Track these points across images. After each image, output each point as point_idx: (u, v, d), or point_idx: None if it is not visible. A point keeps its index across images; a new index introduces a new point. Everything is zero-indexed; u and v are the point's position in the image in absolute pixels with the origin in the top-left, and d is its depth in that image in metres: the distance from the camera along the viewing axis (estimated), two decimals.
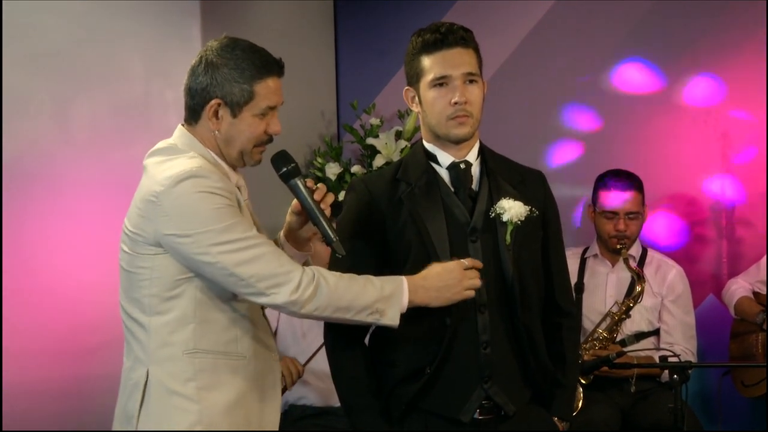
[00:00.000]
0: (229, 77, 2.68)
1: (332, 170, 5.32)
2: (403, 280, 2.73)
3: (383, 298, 2.69)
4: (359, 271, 2.81)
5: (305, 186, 2.77)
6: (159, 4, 4.61)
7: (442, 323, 2.85)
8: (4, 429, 4.11)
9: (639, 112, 5.32)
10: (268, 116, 2.74)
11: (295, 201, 2.81)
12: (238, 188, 2.77)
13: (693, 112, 5.24)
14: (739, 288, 4.87)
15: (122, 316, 2.77)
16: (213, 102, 2.70)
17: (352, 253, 2.87)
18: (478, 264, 2.81)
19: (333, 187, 5.32)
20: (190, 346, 2.67)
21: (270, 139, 2.77)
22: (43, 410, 4.29)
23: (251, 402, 2.74)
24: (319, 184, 2.81)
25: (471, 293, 2.79)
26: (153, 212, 2.63)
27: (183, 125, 2.79)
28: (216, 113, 2.70)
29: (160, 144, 2.79)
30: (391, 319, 2.70)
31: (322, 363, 4.32)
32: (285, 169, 2.77)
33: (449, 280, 2.76)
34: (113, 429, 2.80)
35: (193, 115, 2.75)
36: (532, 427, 2.95)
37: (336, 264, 2.86)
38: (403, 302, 2.72)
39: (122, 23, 4.56)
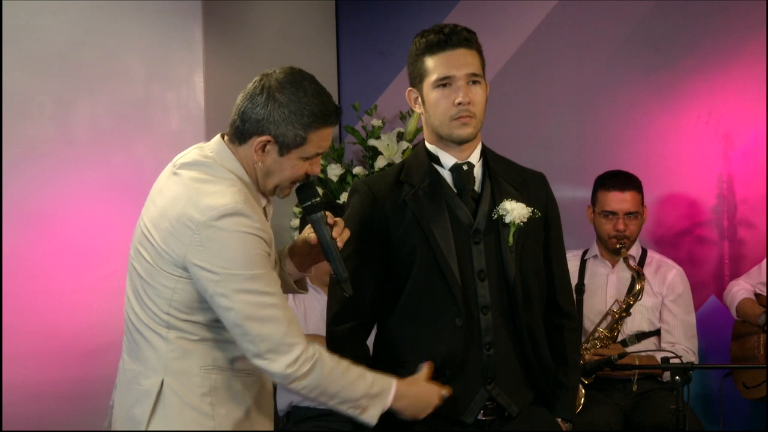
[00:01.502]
0: (287, 119, 2.63)
1: (334, 171, 5.32)
2: (393, 385, 2.73)
3: (370, 396, 2.69)
4: (358, 273, 2.84)
5: (326, 222, 2.76)
6: (160, 4, 4.61)
7: (452, 324, 2.85)
8: (4, 429, 4.11)
9: (641, 113, 5.32)
10: (312, 159, 2.71)
11: (311, 232, 2.80)
12: (265, 211, 2.77)
13: (694, 113, 5.24)
14: (740, 290, 4.86)
15: (132, 318, 2.73)
16: (264, 137, 2.65)
17: (356, 255, 2.88)
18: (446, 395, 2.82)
19: (335, 188, 5.32)
20: (208, 362, 2.68)
21: (307, 178, 2.75)
22: (43, 411, 4.29)
23: (256, 417, 2.76)
24: (337, 219, 2.81)
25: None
26: (187, 238, 2.60)
27: (224, 139, 2.73)
28: (263, 147, 2.66)
29: (195, 153, 2.72)
30: (371, 417, 2.70)
31: None
32: (310, 203, 2.76)
33: (427, 398, 2.79)
34: (112, 427, 2.80)
35: (239, 137, 2.69)
36: (535, 428, 2.95)
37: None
38: (387, 403, 2.72)
39: (123, 24, 4.56)
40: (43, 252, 4.38)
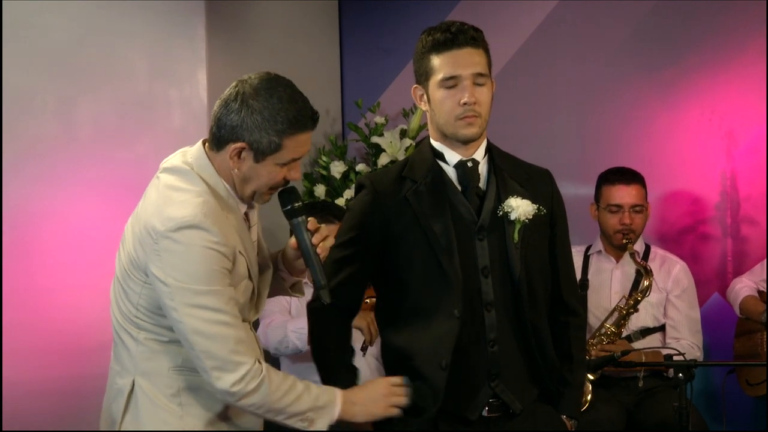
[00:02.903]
0: (260, 125, 2.62)
1: (337, 169, 5.33)
2: (338, 395, 2.75)
3: (316, 408, 2.71)
4: (354, 267, 2.89)
5: (306, 228, 2.77)
6: (164, 3, 4.61)
7: (451, 316, 2.86)
8: (4, 429, 4.11)
9: (643, 110, 5.32)
10: (290, 164, 2.70)
11: (293, 238, 2.81)
12: (246, 216, 2.77)
13: (697, 111, 5.24)
14: (743, 287, 4.86)
15: (113, 320, 2.78)
16: (238, 144, 2.64)
17: (348, 244, 2.91)
18: (405, 383, 2.83)
19: (338, 185, 5.32)
20: (177, 363, 2.70)
21: (286, 183, 2.75)
22: (43, 410, 4.29)
23: (230, 418, 2.76)
24: (321, 226, 2.81)
25: (395, 410, 2.81)
26: (149, 246, 2.61)
27: (204, 145, 2.73)
28: (239, 154, 2.65)
29: (178, 158, 2.73)
30: (320, 427, 2.72)
31: None
32: (290, 206, 2.77)
33: (374, 394, 2.80)
34: (100, 427, 2.86)
35: (216, 144, 2.69)
36: (539, 425, 2.95)
37: (328, 259, 2.87)
38: (334, 414, 2.74)
39: (126, 22, 4.56)
40: (44, 249, 4.38)
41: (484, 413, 2.91)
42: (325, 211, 4.36)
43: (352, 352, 3.04)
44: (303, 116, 2.66)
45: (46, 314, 4.34)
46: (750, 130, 5.17)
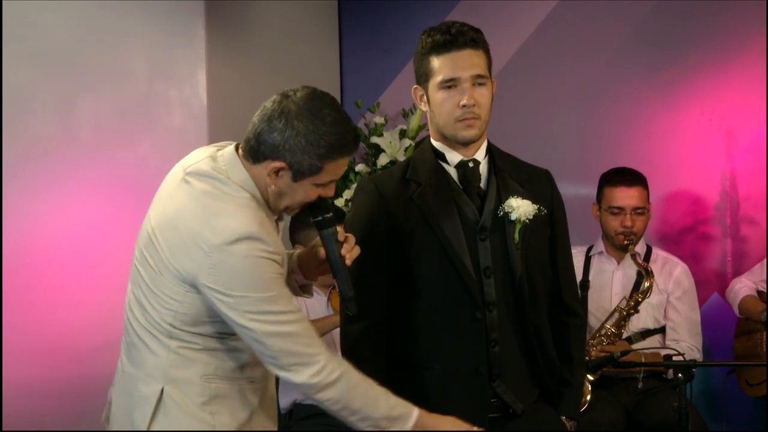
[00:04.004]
0: (303, 148, 2.57)
1: None
2: (415, 411, 2.69)
3: (390, 418, 2.66)
4: (368, 272, 2.85)
5: (336, 239, 2.72)
6: (163, 3, 4.61)
7: (471, 318, 2.87)
8: (4, 429, 4.11)
9: (643, 110, 5.32)
10: (327, 185, 2.67)
11: (320, 246, 2.76)
12: (276, 224, 2.74)
13: (697, 111, 5.24)
14: (743, 287, 4.86)
15: (132, 322, 2.71)
16: (278, 163, 2.60)
17: (364, 253, 2.87)
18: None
19: (337, 185, 5.30)
20: (209, 371, 2.66)
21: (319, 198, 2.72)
22: (43, 410, 4.29)
23: (258, 424, 2.74)
24: (348, 235, 2.77)
25: None
26: (199, 258, 2.55)
27: (239, 152, 2.67)
28: (277, 172, 2.61)
29: (208, 164, 2.66)
30: None
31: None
32: (321, 217, 2.71)
33: (447, 423, 2.73)
34: (110, 426, 2.80)
35: (254, 156, 2.63)
36: (540, 425, 2.95)
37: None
38: (407, 428, 2.68)
39: (126, 22, 4.56)
40: (44, 249, 4.38)
41: None
42: (338, 218, 4.35)
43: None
44: (346, 141, 2.62)
45: (47, 314, 4.34)
46: (750, 130, 5.17)
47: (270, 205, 2.68)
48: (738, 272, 5.08)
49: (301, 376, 2.58)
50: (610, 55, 5.38)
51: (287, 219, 2.92)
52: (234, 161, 2.65)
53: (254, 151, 2.62)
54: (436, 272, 2.88)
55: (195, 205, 2.60)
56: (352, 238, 2.76)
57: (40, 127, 4.39)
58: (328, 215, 2.71)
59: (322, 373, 2.58)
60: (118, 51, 4.56)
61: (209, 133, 4.60)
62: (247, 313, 2.55)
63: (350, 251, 2.73)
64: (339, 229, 2.74)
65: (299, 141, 2.57)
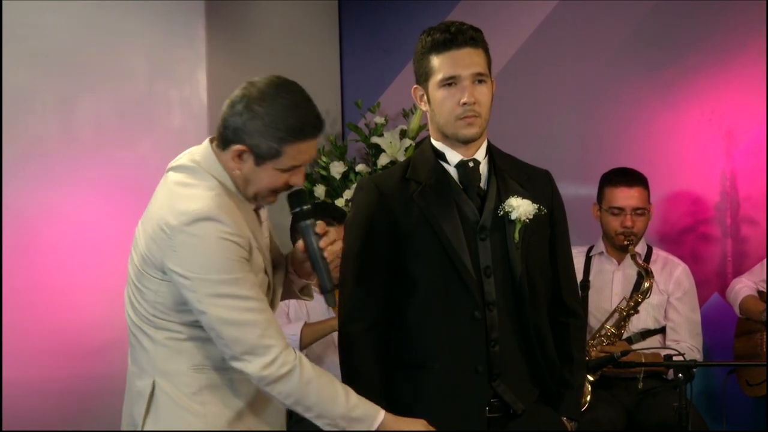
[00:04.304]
0: (260, 131, 2.61)
1: (337, 169, 5.32)
2: (380, 415, 2.70)
3: (348, 418, 2.66)
4: (368, 271, 2.86)
5: (314, 231, 2.75)
6: (164, 3, 4.61)
7: (471, 318, 2.87)
8: (4, 429, 4.11)
9: (643, 110, 5.32)
10: (292, 170, 2.69)
11: (301, 240, 2.79)
12: (257, 214, 2.77)
13: (697, 111, 5.24)
14: (743, 287, 4.86)
15: (127, 320, 2.76)
16: (240, 146, 2.64)
17: (364, 252, 2.89)
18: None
19: (338, 186, 5.32)
20: (197, 361, 2.68)
21: (289, 188, 2.73)
22: (43, 410, 4.29)
23: (254, 416, 2.75)
24: (330, 230, 2.80)
25: None
26: (162, 242, 2.61)
27: (212, 143, 2.73)
28: (240, 156, 2.65)
29: (186, 157, 2.74)
30: None
31: (323, 361, 4.32)
32: (299, 209, 2.75)
33: (416, 427, 2.74)
34: (122, 429, 2.83)
35: (222, 143, 2.69)
36: (540, 425, 2.95)
37: (345, 275, 2.90)
38: (371, 431, 2.68)
39: (127, 22, 4.56)
40: (45, 249, 4.38)
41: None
42: (324, 212, 4.32)
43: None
44: (305, 124, 2.64)
45: (47, 314, 4.34)
46: (750, 130, 5.17)
47: (242, 193, 2.71)
48: (738, 272, 5.08)
49: (251, 367, 2.59)
50: (610, 55, 5.38)
51: (286, 218, 2.92)
52: (206, 151, 2.71)
53: (222, 138, 2.68)
54: (435, 272, 2.88)
55: (165, 195, 2.67)
56: (333, 232, 2.79)
57: (40, 127, 4.39)
58: (305, 207, 2.74)
59: (273, 365, 2.59)
60: (118, 51, 4.56)
61: (209, 133, 4.52)
62: (206, 296, 2.57)
63: (330, 244, 2.75)
64: (319, 222, 2.77)
65: (257, 124, 2.62)
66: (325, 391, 2.64)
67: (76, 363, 4.38)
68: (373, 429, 2.67)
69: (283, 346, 2.61)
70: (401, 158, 5.18)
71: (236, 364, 2.62)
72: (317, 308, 4.50)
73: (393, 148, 5.32)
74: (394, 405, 2.87)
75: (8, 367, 4.17)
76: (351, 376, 2.90)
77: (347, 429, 2.65)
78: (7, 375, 4.15)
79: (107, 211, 4.42)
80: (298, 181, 2.70)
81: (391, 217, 2.91)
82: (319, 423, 2.67)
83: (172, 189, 2.67)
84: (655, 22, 5.31)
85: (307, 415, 2.66)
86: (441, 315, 2.88)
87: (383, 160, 5.31)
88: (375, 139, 5.39)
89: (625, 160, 4.93)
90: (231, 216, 2.61)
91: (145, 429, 2.69)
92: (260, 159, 2.64)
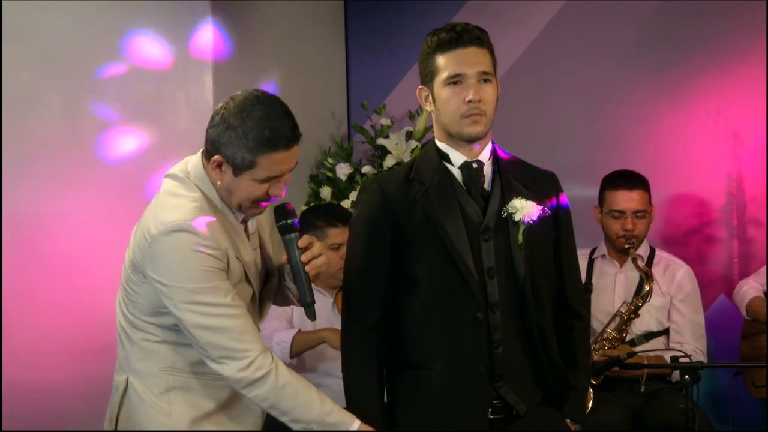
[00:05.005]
0: (234, 142, 2.69)
1: (343, 171, 5.33)
2: (355, 424, 2.76)
3: (323, 423, 2.73)
4: (371, 271, 2.87)
5: (297, 245, 2.83)
6: (169, 4, 4.61)
7: (473, 319, 2.87)
8: (4, 429, 4.12)
9: (649, 111, 5.32)
10: (270, 181, 2.74)
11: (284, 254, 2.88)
12: (245, 224, 2.84)
13: (703, 112, 5.24)
14: (750, 289, 4.85)
15: (116, 319, 2.90)
16: (217, 157, 2.72)
17: (366, 254, 2.90)
18: None
19: (343, 187, 5.32)
20: (167, 364, 2.81)
21: (267, 198, 2.79)
22: (43, 410, 4.30)
23: (222, 420, 2.84)
24: (316, 244, 2.86)
25: None
26: (144, 249, 2.72)
27: (203, 155, 2.80)
28: (219, 167, 2.73)
29: (180, 165, 2.83)
30: None
31: (320, 362, 4.31)
32: (283, 222, 2.84)
33: None
34: (105, 423, 2.96)
35: (207, 154, 2.78)
36: (544, 427, 2.95)
37: (349, 276, 2.93)
38: None
39: (131, 23, 4.56)
40: (48, 250, 4.39)
41: (488, 415, 2.91)
42: (330, 214, 4.30)
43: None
44: (276, 136, 2.69)
45: (47, 315, 4.35)
46: (756, 132, 5.16)
47: (227, 204, 2.80)
48: (744, 274, 5.07)
49: (227, 370, 2.70)
50: (615, 57, 5.38)
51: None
52: (197, 162, 2.80)
53: (206, 150, 2.77)
54: (438, 272, 2.88)
55: (155, 202, 2.80)
56: (318, 247, 2.85)
57: (44, 128, 4.40)
58: (289, 221, 2.83)
59: (249, 369, 2.68)
60: (122, 52, 4.56)
61: None
62: (181, 303, 2.68)
63: (312, 258, 2.82)
64: (304, 236, 2.85)
65: (230, 135, 2.69)
66: (301, 396, 2.73)
67: (76, 364, 4.39)
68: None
69: (259, 350, 2.71)
70: (407, 160, 5.18)
71: (214, 367, 2.72)
72: (323, 309, 4.49)
73: (399, 149, 5.32)
74: (395, 405, 2.87)
75: (8, 367, 4.18)
76: (351, 376, 2.92)
77: None
78: (7, 375, 4.16)
79: (110, 213, 4.42)
80: (276, 192, 2.77)
81: (395, 218, 2.91)
82: (295, 427, 2.75)
83: (161, 197, 2.78)
84: (661, 23, 5.31)
85: (283, 419, 2.74)
86: (443, 316, 2.89)
87: (389, 162, 5.31)
88: (381, 141, 5.39)
89: (630, 161, 4.93)
90: (209, 228, 2.69)
91: (118, 421, 2.84)
92: (237, 169, 2.71)
